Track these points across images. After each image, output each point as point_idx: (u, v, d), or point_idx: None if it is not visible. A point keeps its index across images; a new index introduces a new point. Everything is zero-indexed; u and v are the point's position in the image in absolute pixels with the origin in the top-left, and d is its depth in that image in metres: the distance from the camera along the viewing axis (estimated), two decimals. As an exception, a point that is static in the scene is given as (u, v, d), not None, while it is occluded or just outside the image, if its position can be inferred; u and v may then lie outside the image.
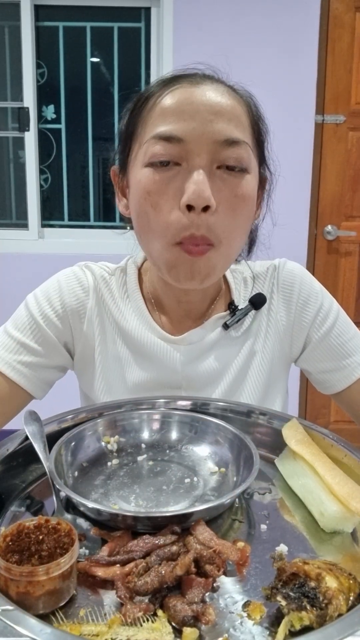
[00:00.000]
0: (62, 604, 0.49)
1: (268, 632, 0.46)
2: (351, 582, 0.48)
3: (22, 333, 0.89)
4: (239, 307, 0.92)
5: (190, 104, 0.74)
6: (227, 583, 0.52)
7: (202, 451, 0.75)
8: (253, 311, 0.92)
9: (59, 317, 0.90)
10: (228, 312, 0.92)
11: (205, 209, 0.73)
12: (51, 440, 0.71)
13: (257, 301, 0.92)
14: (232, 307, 0.92)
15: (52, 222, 2.94)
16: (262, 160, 0.85)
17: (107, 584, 0.51)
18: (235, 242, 0.80)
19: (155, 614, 0.47)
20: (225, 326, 0.91)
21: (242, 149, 0.76)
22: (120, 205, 0.88)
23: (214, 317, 0.91)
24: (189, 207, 0.73)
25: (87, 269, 0.95)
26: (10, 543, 0.51)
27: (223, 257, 0.79)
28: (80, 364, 0.94)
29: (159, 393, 0.89)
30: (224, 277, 0.95)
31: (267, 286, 0.94)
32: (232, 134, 0.75)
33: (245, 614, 0.48)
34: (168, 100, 0.76)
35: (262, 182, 0.87)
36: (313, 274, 0.97)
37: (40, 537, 0.52)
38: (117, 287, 0.94)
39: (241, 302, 0.93)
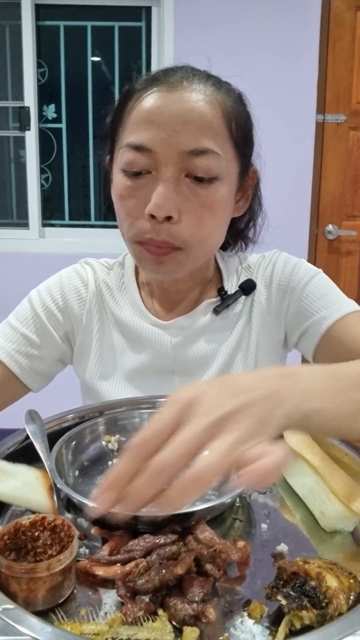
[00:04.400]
0: (61, 600, 0.49)
1: (268, 632, 0.46)
2: (351, 581, 0.48)
3: (24, 325, 0.93)
4: (229, 293, 0.94)
5: (160, 114, 0.77)
6: (228, 582, 0.52)
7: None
8: (243, 297, 0.94)
9: (60, 309, 0.95)
10: (218, 298, 0.94)
11: (168, 218, 0.77)
12: (52, 439, 0.71)
13: (247, 287, 0.94)
14: (221, 293, 0.94)
15: (52, 222, 2.94)
16: (246, 155, 0.86)
17: (108, 583, 0.51)
18: (205, 244, 0.83)
19: (155, 613, 0.47)
20: (215, 312, 0.93)
21: (211, 158, 0.77)
22: (113, 203, 0.90)
23: (204, 303, 0.93)
24: (152, 216, 0.77)
25: (87, 264, 1.00)
26: (7, 542, 0.51)
27: (192, 258, 0.83)
28: (79, 353, 0.97)
29: (153, 378, 0.92)
30: (217, 265, 0.97)
31: (257, 275, 0.95)
32: (199, 144, 0.76)
33: (245, 613, 0.48)
34: (142, 107, 0.79)
35: (251, 174, 0.89)
36: (314, 274, 0.96)
37: (36, 534, 0.52)
38: (115, 280, 0.98)
39: (231, 289, 0.95)
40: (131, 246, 0.84)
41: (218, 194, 0.80)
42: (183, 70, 0.82)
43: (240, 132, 0.83)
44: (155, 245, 0.80)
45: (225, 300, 0.93)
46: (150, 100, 0.78)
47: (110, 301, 0.96)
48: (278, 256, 0.96)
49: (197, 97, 0.78)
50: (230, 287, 0.95)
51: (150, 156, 0.77)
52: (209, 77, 0.82)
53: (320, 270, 0.94)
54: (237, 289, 0.94)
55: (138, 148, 0.78)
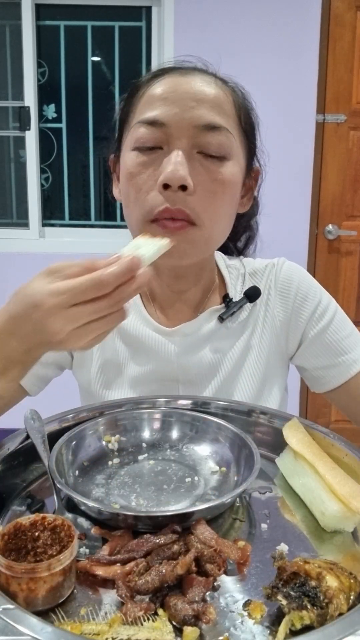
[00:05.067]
0: (61, 600, 0.49)
1: (269, 632, 0.46)
2: (352, 581, 0.48)
3: None
4: (234, 300, 0.92)
5: (174, 92, 0.77)
6: (228, 582, 0.52)
7: (202, 450, 0.75)
8: (249, 305, 0.93)
9: None
10: (223, 305, 0.92)
11: (183, 188, 0.75)
12: (52, 439, 0.71)
13: (252, 294, 0.92)
14: (226, 300, 0.92)
15: (52, 222, 2.94)
16: (251, 150, 0.86)
17: (108, 583, 0.51)
18: (218, 224, 0.81)
19: (156, 613, 0.47)
20: (220, 319, 0.91)
21: (223, 135, 0.78)
22: (115, 191, 0.90)
23: (208, 309, 0.92)
24: (166, 186, 0.75)
25: None
26: (8, 542, 0.51)
27: (204, 238, 0.80)
28: (79, 360, 0.96)
29: (156, 386, 0.90)
30: (219, 271, 0.96)
31: (265, 282, 0.94)
32: (212, 119, 0.77)
33: (245, 613, 0.48)
34: (155, 88, 0.79)
35: (254, 173, 0.90)
36: (314, 274, 0.97)
37: (36, 534, 0.52)
38: None
39: (236, 296, 0.93)
40: (145, 226, 0.79)
41: (229, 171, 0.79)
42: (192, 63, 0.84)
43: (248, 123, 0.84)
44: (171, 215, 0.76)
45: (230, 308, 0.91)
46: (162, 83, 0.79)
47: None
48: (291, 268, 0.95)
49: (209, 82, 0.79)
50: (235, 293, 0.93)
51: (163, 130, 0.77)
52: (217, 75, 0.84)
53: (332, 297, 0.96)
54: (242, 295, 0.92)
55: (151, 123, 0.77)
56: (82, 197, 2.97)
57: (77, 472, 0.70)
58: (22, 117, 2.76)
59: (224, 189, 0.79)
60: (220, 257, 0.97)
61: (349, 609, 0.47)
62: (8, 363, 0.65)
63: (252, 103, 0.87)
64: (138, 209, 0.79)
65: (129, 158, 0.80)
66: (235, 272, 0.96)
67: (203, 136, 0.77)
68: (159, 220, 0.77)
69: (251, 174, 0.89)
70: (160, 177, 0.75)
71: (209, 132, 0.77)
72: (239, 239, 1.01)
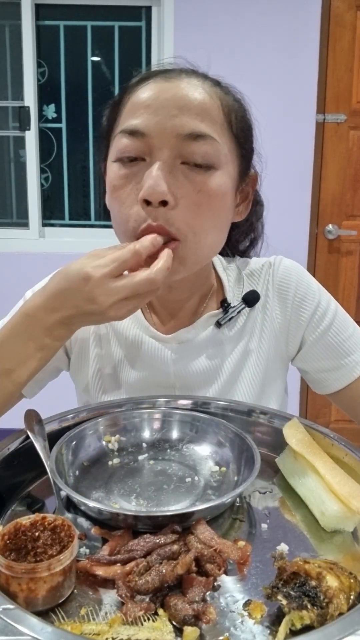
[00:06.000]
0: (62, 600, 0.49)
1: (269, 631, 0.46)
2: (352, 581, 0.48)
3: None
4: (232, 305, 0.90)
5: (156, 99, 0.74)
6: (228, 582, 0.52)
7: (203, 450, 0.75)
8: (247, 309, 0.91)
9: None
10: (220, 310, 0.90)
11: (164, 204, 0.73)
12: (52, 439, 0.71)
13: (251, 298, 0.90)
14: (224, 305, 0.90)
15: (52, 222, 2.94)
16: (246, 156, 0.83)
17: (108, 583, 0.51)
18: (204, 237, 0.77)
19: (156, 613, 0.47)
20: (218, 324, 0.89)
21: (208, 144, 0.74)
22: (106, 200, 0.87)
23: (205, 315, 0.90)
24: (147, 202, 0.73)
25: None
26: (8, 542, 0.51)
27: (192, 252, 0.77)
28: (76, 363, 0.95)
29: (153, 393, 0.88)
30: (216, 274, 0.94)
31: (262, 284, 0.92)
32: (196, 127, 0.73)
33: (246, 613, 0.48)
34: (139, 95, 0.76)
35: (250, 179, 0.86)
36: (314, 274, 0.97)
37: (37, 534, 0.52)
38: None
39: (234, 300, 0.91)
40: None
41: (215, 182, 0.75)
42: (181, 67, 0.80)
43: (240, 128, 0.80)
44: (153, 232, 0.73)
45: (228, 313, 0.89)
46: (146, 89, 0.76)
47: None
48: (288, 268, 0.92)
49: (196, 87, 0.76)
50: (233, 297, 0.91)
51: (144, 140, 0.73)
52: (207, 77, 0.80)
53: (331, 296, 0.94)
54: (240, 300, 0.90)
55: (132, 133, 0.74)
56: (82, 197, 2.97)
57: (77, 472, 0.70)
58: (22, 117, 2.76)
59: (210, 201, 0.75)
60: (218, 260, 0.95)
61: (349, 608, 0.47)
62: (47, 339, 0.72)
63: (246, 105, 0.83)
64: (123, 226, 0.77)
65: (111, 170, 0.78)
66: (233, 275, 0.94)
67: (187, 146, 0.73)
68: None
69: (247, 180, 0.85)
70: (140, 193, 0.73)
71: (193, 141, 0.73)
72: (242, 242, 0.98)
